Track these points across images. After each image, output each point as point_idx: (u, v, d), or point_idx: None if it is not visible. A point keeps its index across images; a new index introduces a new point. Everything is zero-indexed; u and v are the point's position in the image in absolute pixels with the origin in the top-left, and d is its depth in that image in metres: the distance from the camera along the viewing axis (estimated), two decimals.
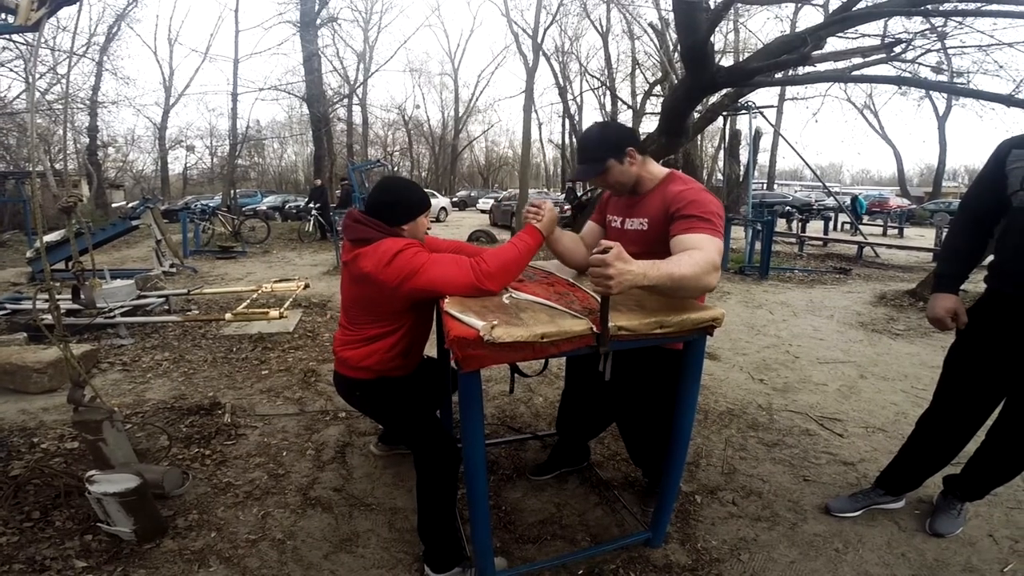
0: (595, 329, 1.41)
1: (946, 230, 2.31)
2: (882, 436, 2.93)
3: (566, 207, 14.23)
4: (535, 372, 2.84)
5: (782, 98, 24.69)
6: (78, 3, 2.31)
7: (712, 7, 4.24)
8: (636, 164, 1.84)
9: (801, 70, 5.34)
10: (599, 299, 1.40)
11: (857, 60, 4.69)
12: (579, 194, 10.11)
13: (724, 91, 7.43)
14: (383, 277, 1.65)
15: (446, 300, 1.58)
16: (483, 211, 25.54)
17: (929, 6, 4.04)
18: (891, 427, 3.03)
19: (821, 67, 5.06)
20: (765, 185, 30.68)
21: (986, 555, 1.99)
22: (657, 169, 1.89)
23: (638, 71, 25.48)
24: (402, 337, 1.85)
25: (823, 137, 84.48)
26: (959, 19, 4.82)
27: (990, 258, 1.94)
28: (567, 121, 30.43)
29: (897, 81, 4.54)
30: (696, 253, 1.51)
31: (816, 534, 2.10)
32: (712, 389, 3.58)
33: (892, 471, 2.24)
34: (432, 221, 20.45)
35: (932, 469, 2.17)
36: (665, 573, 1.89)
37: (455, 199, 31.74)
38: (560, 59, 26.90)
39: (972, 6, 4.22)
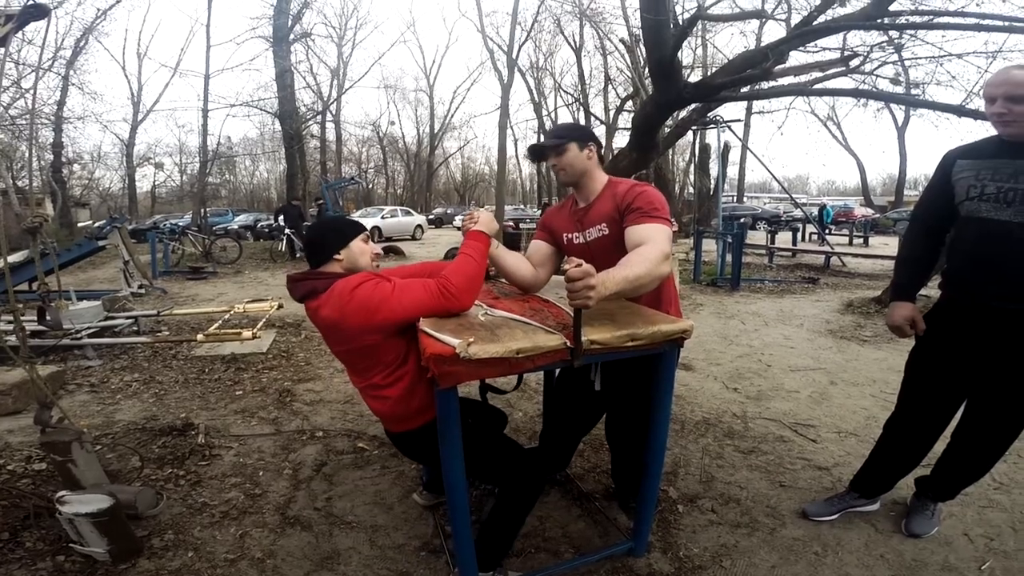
0: (568, 344, 1.44)
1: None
2: (854, 440, 3.00)
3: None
4: (510, 389, 2.84)
5: (749, 112, 25.31)
6: (47, 18, 2.29)
7: (679, 24, 4.36)
8: (592, 160, 1.93)
9: (765, 84, 5.51)
10: (572, 314, 1.42)
11: (817, 74, 4.87)
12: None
13: (693, 106, 7.62)
14: (349, 318, 1.55)
15: (421, 319, 1.59)
16: (459, 228, 25.48)
17: (884, 19, 4.23)
18: (862, 431, 3.10)
19: (783, 81, 5.23)
20: (735, 198, 31.36)
21: (963, 554, 2.04)
22: (602, 176, 1.99)
23: (610, 87, 25.97)
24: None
25: (789, 149, 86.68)
26: (911, 32, 5.05)
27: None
28: (542, 137, 30.82)
29: (855, 93, 4.73)
30: (645, 248, 1.61)
31: (795, 538, 2.13)
32: (688, 399, 3.62)
33: (864, 474, 2.28)
34: (408, 239, 20.49)
35: (902, 471, 2.22)
36: None
37: (431, 216, 31.67)
38: (535, 75, 27.35)
39: (923, 20, 4.42)
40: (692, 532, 2.18)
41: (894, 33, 5.29)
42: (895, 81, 7.36)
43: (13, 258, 6.33)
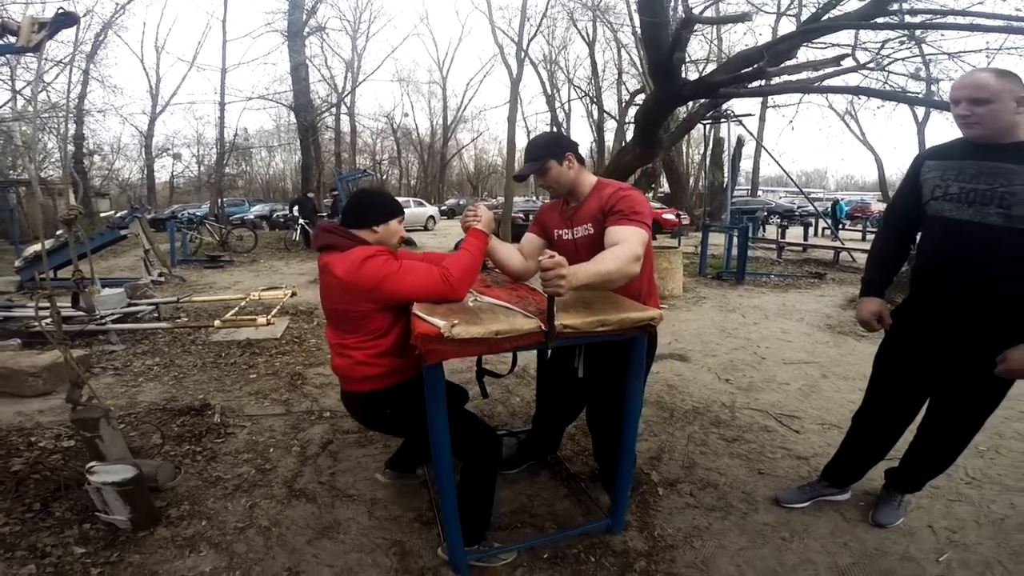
0: (543, 327, 1.58)
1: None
2: (836, 432, 3.07)
3: None
4: (506, 373, 2.98)
5: (764, 106, 25.01)
6: (77, 24, 2.46)
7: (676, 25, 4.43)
8: (574, 169, 2.07)
9: (765, 81, 5.55)
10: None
11: (812, 73, 4.91)
12: None
13: (700, 101, 7.66)
14: (356, 283, 1.73)
15: (415, 304, 1.74)
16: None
17: (879, 19, 4.29)
18: (846, 424, 3.09)
19: (789, 78, 5.27)
20: (749, 192, 31.06)
21: (924, 545, 2.12)
22: (590, 178, 2.13)
23: (623, 80, 25.86)
24: (403, 331, 1.85)
25: (805, 143, 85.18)
26: (906, 31, 5.09)
27: None
28: (554, 130, 30.74)
29: (856, 91, 4.79)
30: (619, 248, 1.76)
31: (765, 523, 2.24)
32: (679, 389, 3.75)
33: (835, 464, 2.38)
34: (420, 229, 20.66)
35: (870, 462, 2.31)
36: (623, 557, 2.04)
37: (443, 207, 31.66)
38: (548, 67, 27.26)
39: (920, 20, 4.46)
40: (668, 514, 2.31)
41: (900, 30, 5.31)
42: (915, 77, 7.31)
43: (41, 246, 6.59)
